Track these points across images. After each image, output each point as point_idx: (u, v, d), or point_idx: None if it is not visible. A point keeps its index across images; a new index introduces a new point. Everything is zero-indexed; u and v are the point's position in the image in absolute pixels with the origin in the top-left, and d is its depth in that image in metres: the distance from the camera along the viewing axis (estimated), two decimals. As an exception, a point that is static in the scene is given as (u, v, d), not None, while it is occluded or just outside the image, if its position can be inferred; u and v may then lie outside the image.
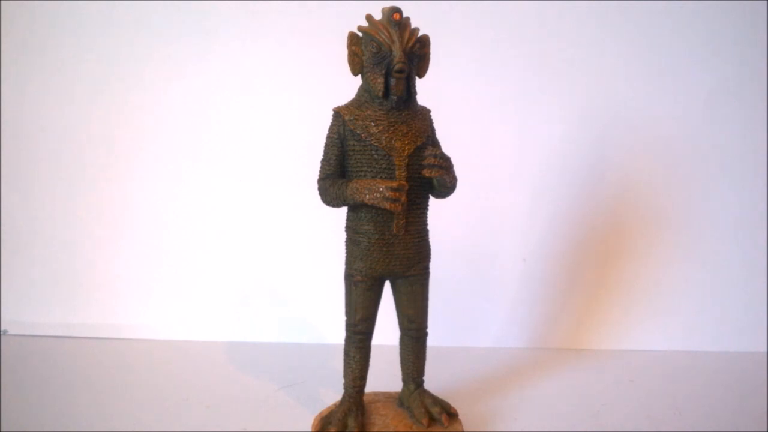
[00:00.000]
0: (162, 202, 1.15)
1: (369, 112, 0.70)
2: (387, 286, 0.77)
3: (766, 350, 1.11)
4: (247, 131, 1.13)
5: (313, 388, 0.93)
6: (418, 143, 0.71)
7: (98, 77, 1.13)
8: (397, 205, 0.67)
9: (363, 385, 0.77)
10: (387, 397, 0.83)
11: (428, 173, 0.68)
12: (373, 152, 0.70)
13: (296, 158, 1.07)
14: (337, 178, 0.72)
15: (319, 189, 0.73)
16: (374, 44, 0.68)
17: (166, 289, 1.16)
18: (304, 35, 1.10)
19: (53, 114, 1.14)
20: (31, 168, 1.15)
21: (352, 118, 0.70)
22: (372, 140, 0.70)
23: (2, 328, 1.15)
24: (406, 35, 0.68)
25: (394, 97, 0.69)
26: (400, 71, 0.67)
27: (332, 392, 0.89)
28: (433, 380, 0.85)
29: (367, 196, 0.68)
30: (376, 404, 0.80)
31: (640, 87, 1.10)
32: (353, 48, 0.71)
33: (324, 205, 0.74)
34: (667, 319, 1.13)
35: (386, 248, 0.72)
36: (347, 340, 0.76)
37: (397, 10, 0.68)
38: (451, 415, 0.77)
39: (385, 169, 0.70)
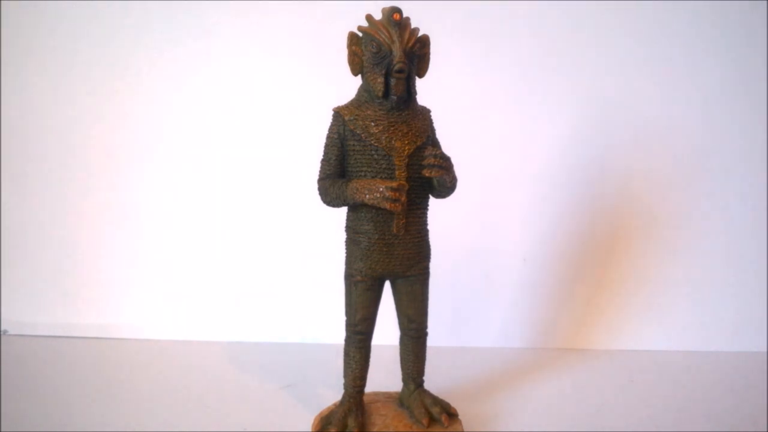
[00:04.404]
0: (162, 203, 1.15)
1: (369, 112, 0.70)
2: (387, 286, 0.77)
3: (766, 350, 1.11)
4: (246, 131, 1.13)
5: (313, 388, 0.93)
6: (418, 143, 0.71)
7: (97, 79, 1.12)
8: (397, 205, 0.67)
9: (363, 385, 0.77)
10: (387, 397, 0.83)
11: (428, 173, 0.68)
12: (373, 152, 0.70)
13: (296, 158, 1.07)
14: (337, 178, 0.72)
15: (319, 189, 0.73)
16: (374, 44, 0.68)
17: (166, 289, 1.16)
18: (304, 35, 1.10)
19: (53, 114, 1.14)
20: (31, 168, 1.15)
21: (352, 118, 0.70)
22: (372, 140, 0.70)
23: (2, 328, 1.15)
24: (406, 35, 0.68)
25: (394, 97, 0.69)
26: (400, 71, 0.67)
27: (332, 392, 0.89)
28: (433, 380, 0.85)
29: (367, 196, 0.68)
30: (376, 404, 0.80)
31: (640, 87, 1.10)
32: (353, 48, 0.71)
33: (324, 205, 0.74)
34: (667, 319, 1.13)
35: (386, 248, 0.72)
36: (347, 340, 0.76)
37: (397, 10, 0.68)
38: (451, 415, 0.77)
39: (385, 169, 0.70)
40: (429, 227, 0.76)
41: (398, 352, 0.80)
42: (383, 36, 0.67)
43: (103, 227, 1.16)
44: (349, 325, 0.75)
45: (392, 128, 0.70)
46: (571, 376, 0.99)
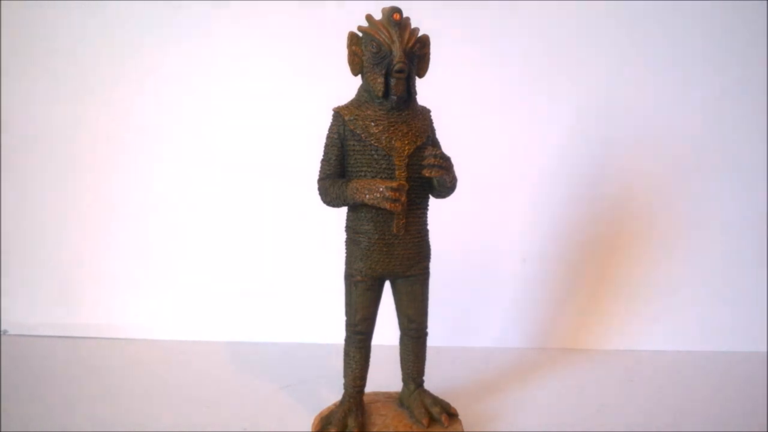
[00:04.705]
0: (163, 203, 1.15)
1: (369, 112, 0.70)
2: (387, 286, 0.77)
3: (766, 350, 1.11)
4: (246, 131, 1.13)
5: (313, 388, 0.93)
6: (418, 143, 0.71)
7: (97, 77, 1.12)
8: (397, 205, 0.67)
9: (363, 385, 0.78)
10: (387, 397, 0.83)
11: (428, 173, 0.68)
12: (373, 152, 0.70)
13: (296, 158, 1.07)
14: (337, 178, 0.72)
15: (319, 189, 0.73)
16: (374, 44, 0.68)
17: (166, 289, 1.16)
18: (304, 35, 1.10)
19: (52, 115, 1.14)
20: (31, 168, 1.15)
21: (352, 118, 0.70)
22: (372, 140, 0.70)
23: (2, 328, 1.15)
24: (406, 35, 0.68)
25: (394, 97, 0.69)
26: (400, 71, 0.67)
27: (332, 392, 0.89)
28: (433, 380, 0.85)
29: (367, 196, 0.68)
30: (376, 404, 0.80)
31: (640, 88, 1.10)
32: (353, 48, 0.71)
33: (324, 205, 0.74)
34: (667, 319, 1.13)
35: (386, 248, 0.72)
36: (347, 340, 0.76)
37: (397, 10, 0.68)
38: (451, 415, 0.77)
39: (385, 169, 0.70)
40: (429, 227, 0.76)
41: (398, 352, 0.80)
42: (383, 36, 0.67)
43: (104, 227, 1.16)
44: (349, 325, 0.75)
45: (392, 128, 0.70)
46: (571, 376, 0.99)
